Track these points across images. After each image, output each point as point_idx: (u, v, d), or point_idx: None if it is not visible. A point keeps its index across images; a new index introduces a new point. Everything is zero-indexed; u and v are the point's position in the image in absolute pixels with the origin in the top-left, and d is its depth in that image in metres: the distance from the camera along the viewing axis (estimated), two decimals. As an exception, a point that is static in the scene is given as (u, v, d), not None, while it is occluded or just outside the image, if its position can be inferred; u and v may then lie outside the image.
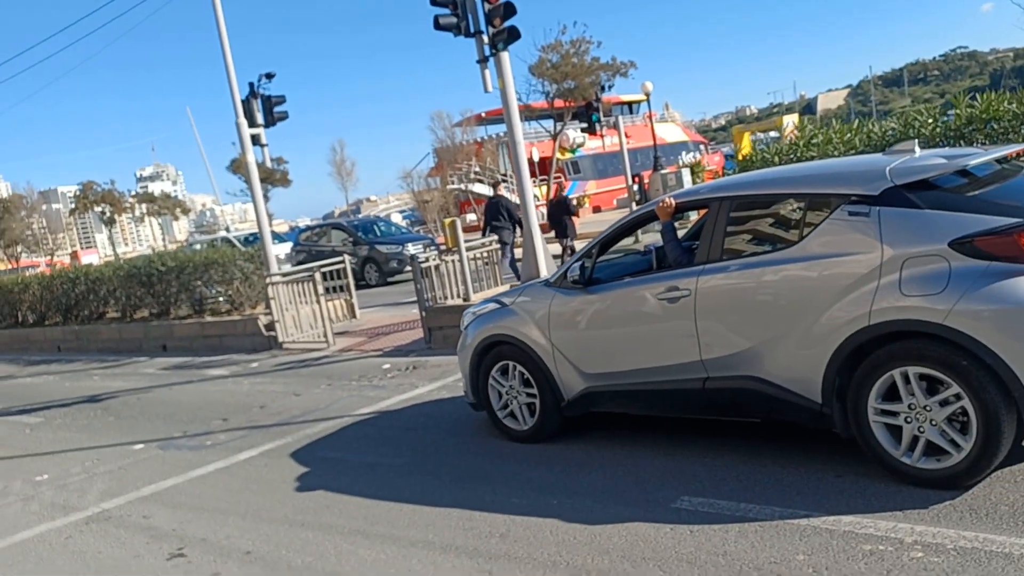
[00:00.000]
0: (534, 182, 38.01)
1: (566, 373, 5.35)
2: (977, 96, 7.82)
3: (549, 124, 33.31)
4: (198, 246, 24.03)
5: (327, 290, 12.77)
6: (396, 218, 41.76)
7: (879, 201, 3.99)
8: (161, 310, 14.77)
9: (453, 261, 10.51)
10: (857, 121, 8.61)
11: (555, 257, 12.19)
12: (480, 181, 40.46)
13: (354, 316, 13.86)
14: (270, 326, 12.34)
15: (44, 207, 70.81)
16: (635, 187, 23.33)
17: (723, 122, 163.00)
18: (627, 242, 10.43)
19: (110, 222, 61.53)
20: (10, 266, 51.33)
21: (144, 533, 5.22)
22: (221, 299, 13.93)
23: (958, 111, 7.70)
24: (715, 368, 4.58)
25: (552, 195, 17.51)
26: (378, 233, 23.01)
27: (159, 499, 5.88)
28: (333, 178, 55.62)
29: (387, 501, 5.03)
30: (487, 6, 9.20)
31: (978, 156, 4.27)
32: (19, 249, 54.12)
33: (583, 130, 25.69)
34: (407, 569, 4.05)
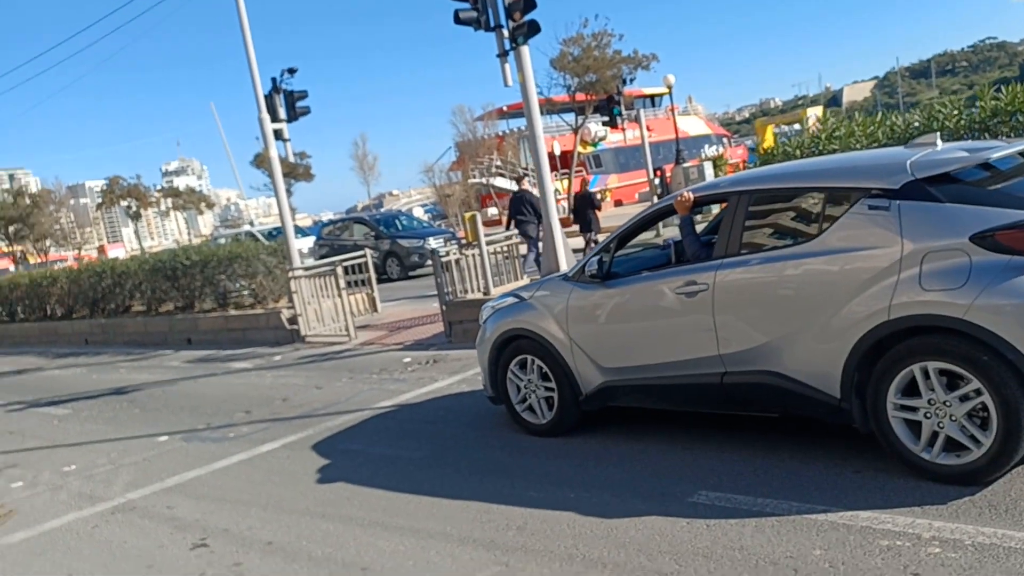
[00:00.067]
0: (555, 176, 37.98)
1: (584, 367, 5.37)
2: (1003, 88, 7.69)
3: (570, 118, 33.24)
4: (223, 240, 24.28)
5: (349, 284, 12.86)
6: (418, 212, 41.90)
7: (899, 195, 3.96)
8: (186, 304, 14.95)
9: (473, 255, 10.54)
10: (880, 114, 8.51)
11: (575, 251, 12.19)
12: (501, 175, 40.48)
13: (375, 310, 13.94)
14: (293, 320, 12.46)
15: (72, 202, 71.79)
16: (657, 181, 23.22)
17: (747, 115, 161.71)
18: (648, 236, 10.43)
19: (136, 216, 62.28)
20: (39, 260, 52.15)
21: (168, 523, 5.31)
22: (245, 293, 14.08)
23: (982, 103, 7.60)
24: (733, 363, 4.58)
25: (577, 189, 17.53)
26: (400, 227, 23.12)
27: (183, 490, 5.98)
28: (355, 172, 55.85)
29: (406, 493, 5.08)
30: (507, 0, 9.21)
31: (1001, 149, 4.22)
32: (48, 243, 54.94)
33: (604, 124, 25.63)
34: (425, 561, 4.09)
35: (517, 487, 4.85)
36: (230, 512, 5.32)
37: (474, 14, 9.31)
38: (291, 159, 18.37)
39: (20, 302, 19.85)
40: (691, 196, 5.02)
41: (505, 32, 9.33)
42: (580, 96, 29.30)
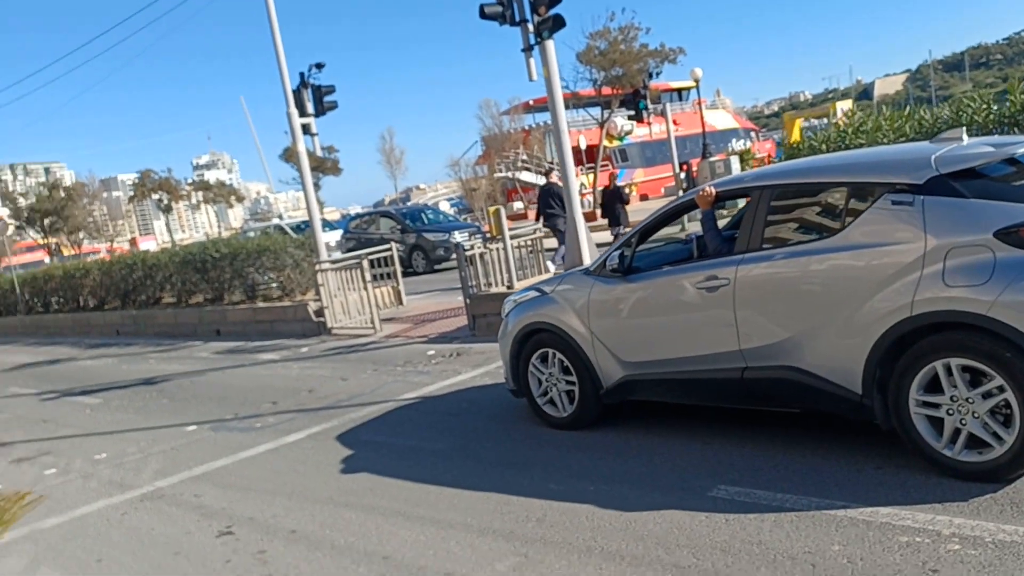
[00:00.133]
0: (581, 170, 37.88)
1: (605, 361, 5.38)
2: (1033, 82, 7.56)
3: (596, 112, 33.13)
4: (252, 233, 24.55)
5: (375, 277, 12.97)
6: (444, 206, 41.96)
7: (924, 190, 3.93)
8: (215, 296, 15.17)
9: (497, 249, 10.59)
10: (908, 108, 8.40)
11: (599, 245, 12.17)
12: (527, 169, 40.46)
13: (401, 303, 14.06)
14: (319, 312, 12.59)
15: (105, 195, 72.90)
16: (683, 175, 23.09)
17: (776, 108, 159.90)
18: (673, 230, 10.38)
19: (167, 209, 63.11)
20: (73, 252, 53.07)
21: (195, 511, 5.42)
22: (273, 285, 14.26)
23: (1012, 97, 7.47)
24: (754, 358, 4.57)
25: (605, 183, 17.51)
26: (425, 221, 23.22)
27: (210, 479, 6.09)
28: (383, 167, 56.15)
29: (428, 484, 5.14)
30: (532, -5, 9.22)
31: (1028, 144, 4.17)
32: (81, 236, 55.87)
33: (630, 118, 25.51)
34: (446, 550, 4.15)
35: (537, 479, 4.89)
36: (256, 501, 5.42)
37: (499, 8, 9.33)
38: (319, 153, 18.50)
39: (54, 293, 20.29)
40: (712, 191, 5.02)
41: (530, 26, 9.35)
42: (606, 90, 29.20)
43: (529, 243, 11.53)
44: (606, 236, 16.68)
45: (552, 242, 14.78)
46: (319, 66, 13.36)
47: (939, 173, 3.94)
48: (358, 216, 27.28)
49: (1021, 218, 3.63)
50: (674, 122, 26.51)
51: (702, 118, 32.19)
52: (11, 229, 41.23)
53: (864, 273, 4.05)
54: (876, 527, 3.60)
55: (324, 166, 53.11)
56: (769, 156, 24.10)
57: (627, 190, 20.45)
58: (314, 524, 4.81)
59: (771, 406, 4.77)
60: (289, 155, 43.87)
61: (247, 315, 14.10)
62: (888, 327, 3.93)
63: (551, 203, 14.38)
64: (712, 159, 22.76)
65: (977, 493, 3.71)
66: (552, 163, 35.29)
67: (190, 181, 67.07)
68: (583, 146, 39.13)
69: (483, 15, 9.40)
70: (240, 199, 79.72)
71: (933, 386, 3.87)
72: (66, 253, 53.27)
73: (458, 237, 18.71)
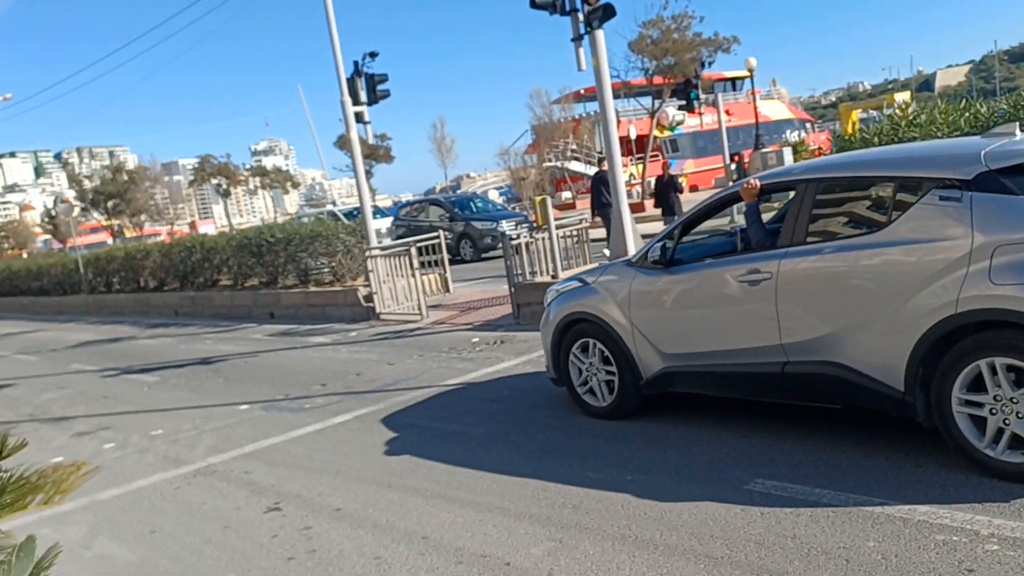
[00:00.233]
0: (630, 160, 37.59)
1: (645, 352, 5.41)
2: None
3: (647, 101, 32.84)
4: (306, 219, 25.01)
5: (422, 264, 13.15)
6: (493, 195, 42.13)
7: (972, 186, 3.86)
8: (270, 279, 15.54)
9: (543, 239, 10.64)
10: (964, 100, 8.17)
11: (645, 236, 12.12)
12: (576, 159, 40.30)
13: (447, 290, 14.22)
14: (368, 297, 12.82)
15: (166, 178, 74.90)
16: (733, 166, 22.77)
17: (833, 99, 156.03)
18: (721, 222, 10.29)
19: (226, 194, 64.60)
20: (135, 234, 54.72)
21: (245, 487, 5.62)
22: (325, 270, 14.54)
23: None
24: (795, 352, 4.55)
25: (659, 173, 17.42)
26: (474, 209, 23.37)
27: (260, 456, 6.30)
28: (434, 155, 56.55)
29: (468, 468, 5.24)
30: (583, -16, 9.20)
31: (1085, 140, 4.06)
32: (143, 218, 57.54)
33: (681, 107, 25.22)
34: (483, 533, 4.24)
35: (575, 467, 4.95)
36: (303, 479, 5.60)
37: (550, -2, 9.33)
38: (371, 141, 18.80)
39: (116, 274, 20.98)
40: (757, 183, 4.99)
41: (580, 16, 9.33)
42: (658, 79, 28.95)
43: (575, 233, 11.55)
44: (659, 227, 16.60)
45: (601, 232, 14.75)
46: (373, 55, 13.55)
47: (988, 169, 3.87)
48: (408, 204, 27.59)
49: (1072, 216, 3.56)
50: (727, 112, 26.17)
51: (755, 108, 31.64)
52: (76, 210, 42.67)
53: (908, 269, 4.01)
54: (913, 525, 3.58)
55: (376, 154, 53.72)
56: (820, 149, 23.51)
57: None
58: (357, 503, 4.96)
59: (812, 401, 4.74)
60: (343, 143, 44.49)
61: (299, 299, 14.42)
62: (932, 324, 3.89)
63: (604, 191, 14.35)
64: (764, 150, 22.39)
65: (1019, 495, 3.66)
66: (602, 152, 35.17)
67: (248, 167, 68.49)
68: (633, 136, 38.82)
69: (533, 5, 9.41)
70: (296, 185, 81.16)
71: (976, 385, 3.83)
72: (128, 235, 54.97)
73: (505, 226, 18.83)
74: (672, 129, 43.67)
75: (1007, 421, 3.74)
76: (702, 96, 23.40)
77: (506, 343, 9.29)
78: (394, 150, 56.64)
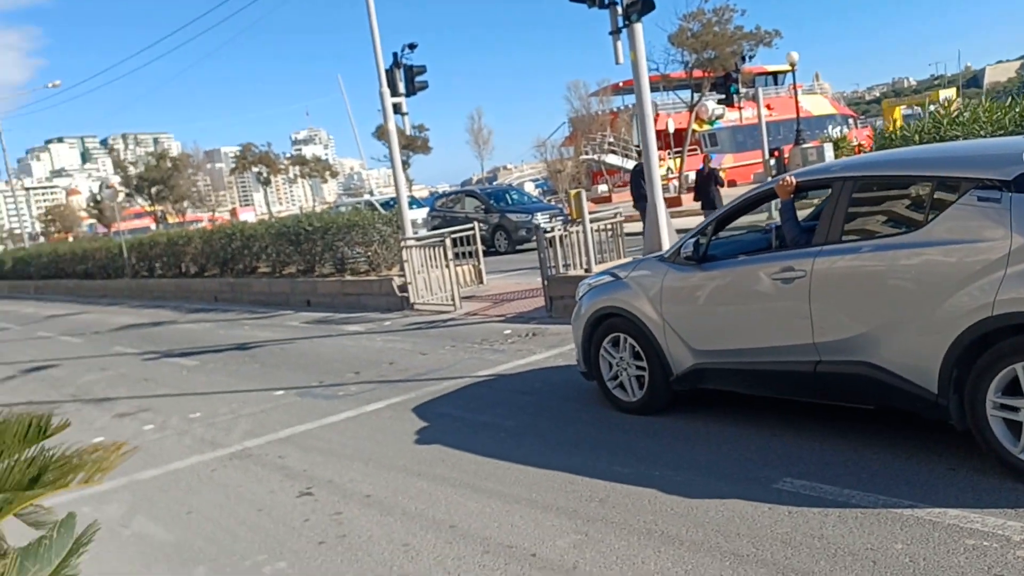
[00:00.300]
0: (668, 154, 37.28)
1: (676, 348, 5.41)
2: None
3: (686, 94, 32.51)
4: (344, 208, 25.25)
5: (457, 255, 13.23)
6: (528, 187, 42.19)
7: (1012, 187, 3.80)
8: (307, 267, 15.75)
9: (577, 232, 10.64)
10: (1010, 99, 7.98)
11: (678, 231, 12.05)
12: (613, 152, 40.10)
13: (481, 282, 14.29)
14: (403, 287, 12.93)
15: (208, 166, 76.15)
16: (772, 162, 22.49)
17: (877, 94, 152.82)
18: (759, 218, 10.19)
19: (266, 182, 65.44)
20: (178, 220, 55.69)
21: (279, 472, 5.74)
22: (361, 260, 14.69)
23: None
24: (828, 352, 4.52)
25: (700, 166, 17.30)
26: (509, 202, 23.40)
27: (294, 442, 6.42)
28: (471, 146, 56.72)
29: (496, 459, 5.29)
30: (622, -23, 9.16)
31: None
32: (186, 205, 58.54)
33: (720, 101, 24.96)
34: (509, 524, 4.29)
35: (603, 461, 4.98)
36: (335, 465, 5.70)
37: (589, -9, 9.31)
38: (409, 132, 18.92)
39: (158, 259, 21.42)
40: (793, 180, 4.95)
41: (619, 9, 9.30)
42: (697, 73, 28.63)
43: (609, 227, 11.53)
44: (696, 222, 16.47)
45: (636, 226, 14.68)
46: (411, 46, 13.64)
47: (1030, 170, 3.80)
48: (444, 195, 27.70)
49: (1116, 220, 3.48)
50: (767, 107, 25.85)
51: (796, 103, 31.19)
52: (121, 195, 43.55)
53: (945, 270, 3.96)
54: (943, 528, 3.55)
55: (414, 144, 54.00)
56: (861, 146, 23.04)
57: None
58: (388, 490, 5.04)
59: (844, 401, 4.71)
60: (381, 133, 44.77)
61: (335, 287, 14.60)
62: (967, 326, 3.84)
63: (642, 185, 14.30)
64: (805, 146, 22.07)
65: (1053, 501, 3.61)
66: (639, 146, 34.93)
67: (288, 155, 69.31)
68: (671, 129, 38.46)
69: (572, -3, 9.41)
70: (334, 174, 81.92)
71: (1012, 389, 3.77)
72: (171, 221, 55.95)
73: (540, 219, 18.81)
74: (711, 123, 43.19)
75: (1043, 426, 3.68)
76: (742, 90, 23.14)
77: (538, 336, 9.32)
78: (431, 140, 56.92)
